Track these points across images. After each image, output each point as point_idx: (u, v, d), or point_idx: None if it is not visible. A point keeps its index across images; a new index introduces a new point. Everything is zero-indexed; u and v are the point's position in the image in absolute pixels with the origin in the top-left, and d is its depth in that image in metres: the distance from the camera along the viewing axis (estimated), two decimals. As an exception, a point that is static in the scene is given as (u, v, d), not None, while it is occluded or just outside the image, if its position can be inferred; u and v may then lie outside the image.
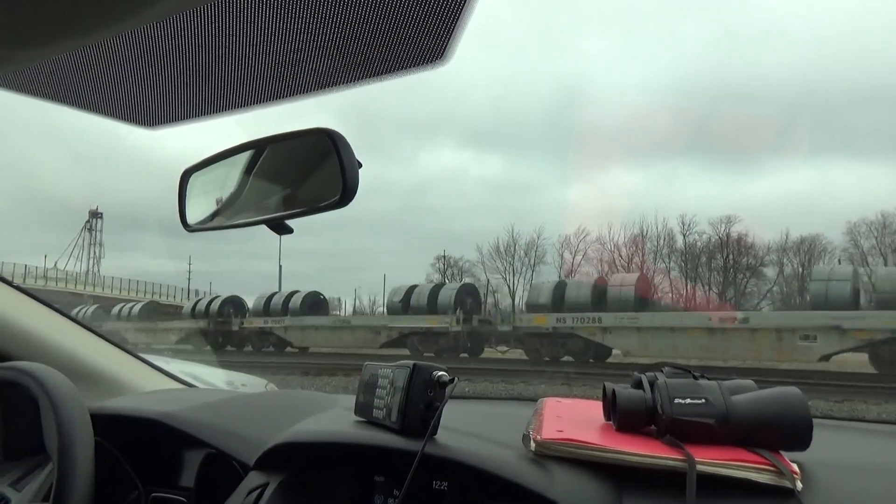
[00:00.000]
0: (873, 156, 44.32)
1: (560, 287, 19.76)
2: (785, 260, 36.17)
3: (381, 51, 0.65)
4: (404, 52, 0.64)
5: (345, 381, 11.10)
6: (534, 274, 39.00)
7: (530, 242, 40.38)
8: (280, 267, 36.55)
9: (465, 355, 19.34)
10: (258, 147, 0.85)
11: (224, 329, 25.11)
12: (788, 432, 0.83)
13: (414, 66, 0.66)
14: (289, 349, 23.62)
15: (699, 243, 37.63)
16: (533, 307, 19.67)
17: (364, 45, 0.65)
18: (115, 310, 30.22)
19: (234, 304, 26.61)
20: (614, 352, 18.10)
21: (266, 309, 25.26)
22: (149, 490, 1.17)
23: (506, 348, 19.69)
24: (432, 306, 20.98)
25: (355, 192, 0.72)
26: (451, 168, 55.07)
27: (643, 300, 19.19)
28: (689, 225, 37.36)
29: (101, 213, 55.68)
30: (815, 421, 0.82)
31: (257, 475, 1.00)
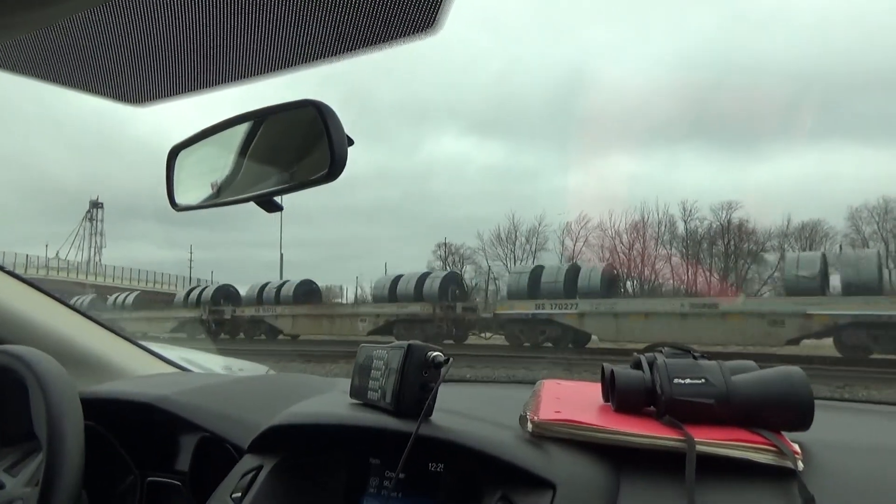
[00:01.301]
0: (876, 140, 44.19)
1: (536, 272, 20.29)
2: (786, 245, 36.09)
3: (370, 21, 0.63)
4: (394, 21, 0.62)
5: (333, 368, 11.16)
6: (535, 261, 39.02)
7: (531, 229, 40.39)
8: (281, 255, 36.63)
9: (451, 342, 19.68)
10: (246, 121, 0.83)
11: (217, 318, 25.59)
12: (790, 413, 0.82)
13: (404, 35, 0.64)
14: (281, 337, 24.23)
15: (700, 229, 37.62)
16: (513, 294, 20.16)
17: (352, 15, 0.63)
18: (110, 300, 30.55)
19: (227, 293, 27.21)
20: (593, 337, 18.54)
21: (259, 298, 25.85)
22: (144, 474, 1.16)
23: (490, 334, 20.23)
24: (418, 294, 21.57)
25: (343, 166, 0.70)
26: (453, 155, 55.01)
27: (614, 286, 20.01)
28: (691, 211, 37.29)
29: (102, 203, 55.82)
30: (815, 402, 0.81)
31: (252, 458, 0.99)
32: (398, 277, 23.10)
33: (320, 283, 27.37)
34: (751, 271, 36.28)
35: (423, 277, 22.46)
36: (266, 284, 26.63)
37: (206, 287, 28.93)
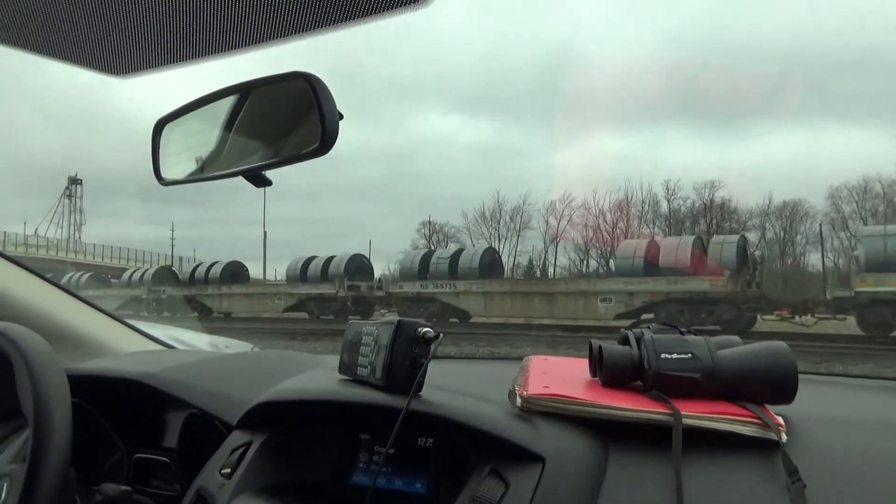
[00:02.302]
0: (859, 119, 44.73)
1: (426, 257, 23.43)
2: (767, 224, 36.55)
3: None
4: None
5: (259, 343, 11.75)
6: (519, 239, 39.14)
7: (516, 208, 40.44)
8: (265, 233, 36.34)
9: (359, 318, 22.04)
10: (234, 93, 0.81)
11: (156, 297, 27.41)
12: (774, 386, 0.83)
13: (395, 7, 0.63)
14: (215, 314, 26.13)
15: (683, 208, 37.91)
16: (404, 275, 23.51)
17: None
18: (64, 279, 30.83)
19: (164, 275, 29.29)
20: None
21: (191, 278, 28.10)
22: (131, 451, 1.16)
23: (385, 311, 22.72)
24: (324, 275, 24.36)
25: (335, 140, 0.69)
26: (439, 133, 54.74)
27: (490, 269, 22.90)
28: (674, 190, 37.60)
29: (81, 180, 54.92)
30: (799, 376, 0.82)
31: (240, 434, 0.99)
32: (310, 259, 25.71)
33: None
34: (858, 245, 36.56)
35: (330, 259, 25.13)
36: (197, 266, 28.97)
37: (147, 269, 30.84)
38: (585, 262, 38.65)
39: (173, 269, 30.72)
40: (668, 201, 38.08)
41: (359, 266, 24.88)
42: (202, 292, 26.83)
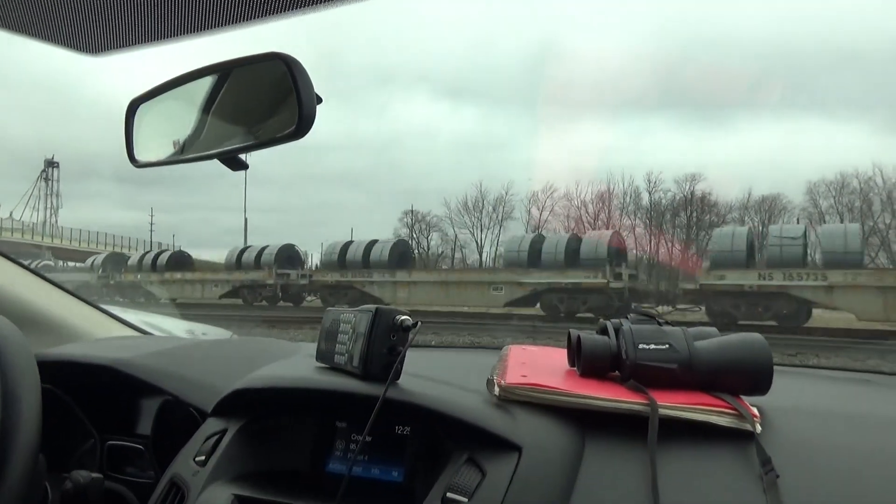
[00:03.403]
0: (838, 116, 45.22)
1: (344, 247, 25.00)
2: (746, 218, 36.94)
3: None
4: None
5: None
6: (501, 229, 39.22)
7: (498, 198, 40.47)
8: (245, 220, 36.06)
9: (290, 304, 24.31)
10: (210, 73, 0.79)
11: (104, 283, 28.10)
12: (750, 377, 0.84)
13: None
14: (163, 301, 26.41)
15: (664, 201, 38.21)
16: (325, 265, 25.47)
17: None
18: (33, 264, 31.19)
19: (115, 261, 30.02)
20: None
21: (139, 265, 29.05)
22: (104, 438, 1.14)
23: (312, 298, 24.89)
24: (257, 263, 25.46)
25: (312, 123, 0.68)
26: (423, 122, 54.48)
27: (401, 260, 24.68)
28: (655, 182, 37.83)
29: (58, 163, 53.99)
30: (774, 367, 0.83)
31: (216, 421, 0.98)
32: (245, 248, 27.06)
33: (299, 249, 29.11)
34: (711, 243, 37.05)
35: (263, 249, 26.11)
36: (146, 253, 30.16)
37: (97, 256, 31.61)
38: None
39: (124, 254, 31.42)
40: (650, 193, 38.37)
41: (289, 255, 26.04)
42: (146, 278, 27.64)
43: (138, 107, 0.86)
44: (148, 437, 1.10)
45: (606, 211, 38.22)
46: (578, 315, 19.08)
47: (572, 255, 20.69)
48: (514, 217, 40.10)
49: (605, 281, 19.22)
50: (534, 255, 21.17)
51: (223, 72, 0.79)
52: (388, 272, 23.11)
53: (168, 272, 27.55)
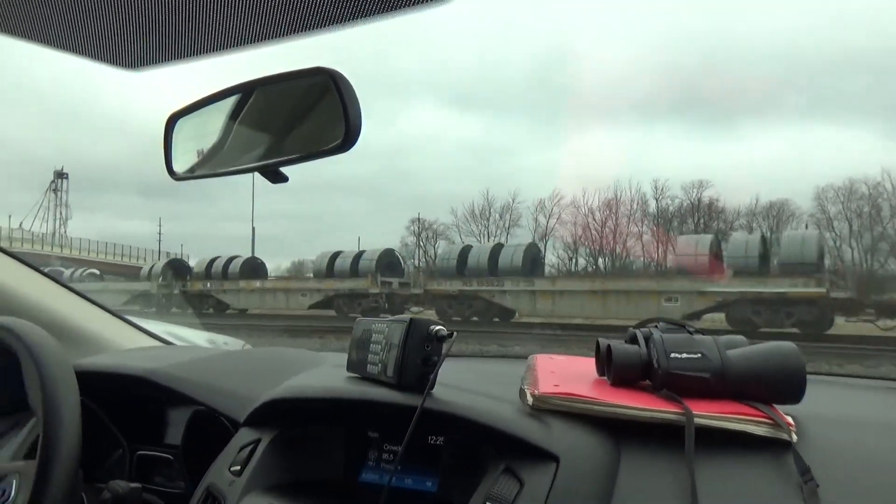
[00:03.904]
0: (846, 121, 45.10)
1: (464, 252, 22.97)
2: (754, 224, 36.81)
3: None
4: None
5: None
6: (508, 237, 39.20)
7: (505, 206, 40.47)
8: (253, 229, 36.12)
9: (388, 315, 21.74)
10: (250, 89, 0.80)
11: (166, 292, 26.56)
12: (782, 386, 0.84)
13: (418, 4, 0.62)
14: (229, 311, 25.39)
15: (671, 208, 38.14)
16: (440, 272, 23.01)
17: None
18: (66, 273, 30.23)
19: (177, 267, 28.12)
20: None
21: (208, 273, 26.89)
22: (134, 448, 1.15)
23: (421, 309, 21.84)
24: (354, 270, 23.66)
25: (358, 136, 0.69)
26: (431, 129, 54.59)
27: (534, 266, 22.75)
28: (662, 189, 37.79)
29: (67, 174, 54.30)
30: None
31: (249, 431, 0.99)
32: (336, 254, 24.85)
33: (293, 258, 28.24)
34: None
35: (360, 254, 24.37)
36: (215, 259, 27.36)
37: (156, 263, 29.47)
38: (574, 261, 38.84)
39: (184, 261, 29.42)
40: (657, 200, 38.31)
41: (390, 262, 24.30)
42: (218, 287, 25.84)
43: (177, 121, 0.87)
44: (177, 447, 1.11)
45: (614, 218, 38.15)
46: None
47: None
48: (521, 225, 40.11)
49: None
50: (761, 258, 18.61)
51: (265, 86, 0.80)
52: (525, 280, 20.68)
53: (243, 280, 25.57)
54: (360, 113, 0.70)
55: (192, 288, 26.31)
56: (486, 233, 40.76)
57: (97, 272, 32.41)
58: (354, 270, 23.35)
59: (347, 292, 22.85)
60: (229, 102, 0.82)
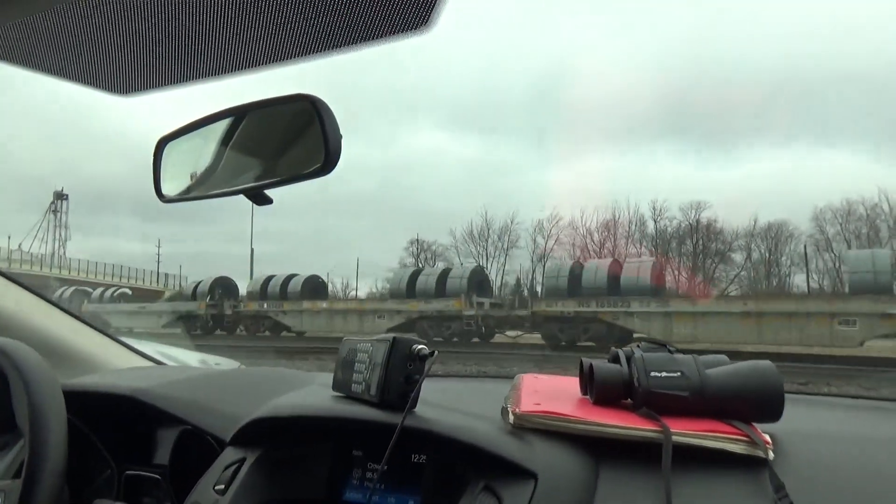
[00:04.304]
0: (843, 142, 45.47)
1: (575, 269, 20.84)
2: (753, 245, 36.90)
3: (365, 16, 0.64)
4: (388, 17, 0.63)
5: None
6: (507, 258, 39.22)
7: (504, 227, 40.52)
8: (252, 250, 36.09)
9: (477, 339, 20.34)
10: (237, 114, 0.83)
11: (216, 312, 24.51)
12: (761, 404, 0.85)
13: (398, 32, 0.65)
14: (285, 333, 23.54)
15: (669, 229, 38.25)
16: (550, 291, 21.35)
17: (347, 10, 0.64)
18: (95, 293, 29.48)
19: (225, 286, 25.78)
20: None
21: (263, 292, 24.79)
22: (122, 468, 1.16)
23: (516, 333, 20.54)
24: (440, 290, 21.51)
25: (338, 160, 0.71)
26: (430, 149, 54.73)
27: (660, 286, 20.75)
28: (660, 210, 37.91)
29: (67, 195, 54.46)
30: (785, 395, 0.84)
31: (234, 450, 0.99)
32: (416, 272, 23.02)
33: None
34: (718, 270, 37.01)
35: (445, 273, 22.41)
36: (271, 278, 25.34)
37: (202, 281, 26.84)
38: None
39: (231, 280, 26.62)
40: (655, 221, 38.44)
41: (479, 280, 22.20)
42: (276, 308, 23.58)
43: (166, 144, 0.89)
44: (165, 468, 1.12)
45: (612, 239, 38.23)
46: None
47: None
48: (520, 246, 40.11)
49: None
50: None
51: (250, 111, 0.83)
52: (657, 300, 18.37)
53: (308, 301, 23.26)
54: (339, 137, 0.72)
55: (246, 308, 24.29)
56: (484, 254, 40.77)
57: (129, 292, 31.05)
58: (441, 290, 21.11)
59: (435, 314, 20.51)
60: (216, 127, 0.85)
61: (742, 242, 37.15)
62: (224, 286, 25.68)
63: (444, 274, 22.13)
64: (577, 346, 17.91)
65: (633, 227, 38.65)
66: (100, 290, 30.59)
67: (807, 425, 0.91)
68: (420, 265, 34.21)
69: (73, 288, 30.38)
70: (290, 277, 25.03)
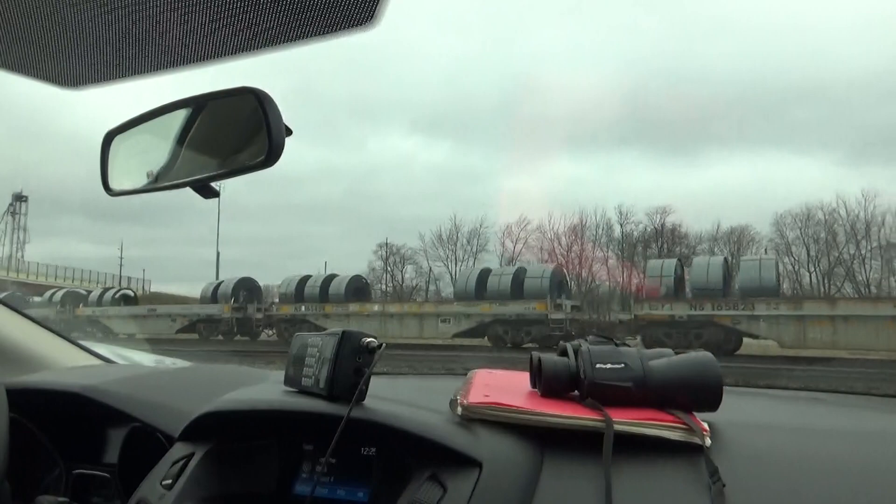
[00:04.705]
0: (803, 149, 46.61)
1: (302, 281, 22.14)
2: (716, 249, 37.59)
3: (309, 12, 0.65)
4: (333, 12, 0.64)
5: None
6: (475, 262, 39.30)
7: (472, 231, 40.62)
8: (218, 254, 35.57)
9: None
10: (183, 107, 0.83)
11: (241, 315, 22.91)
12: (700, 394, 0.88)
13: (343, 28, 0.66)
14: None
15: (636, 233, 38.80)
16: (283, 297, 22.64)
17: (292, 6, 0.64)
18: (93, 295, 27.87)
19: (249, 288, 24.32)
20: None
21: (298, 294, 23.28)
22: (70, 467, 1.14)
23: (635, 339, 19.26)
24: (517, 292, 20.14)
25: (281, 153, 0.72)
26: (399, 154, 54.65)
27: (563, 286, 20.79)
28: (627, 215, 38.43)
29: (26, 197, 52.94)
30: (725, 388, 0.87)
31: (183, 446, 0.99)
32: (486, 272, 21.04)
33: (259, 283, 25.67)
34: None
35: (519, 272, 20.39)
36: (307, 278, 23.70)
37: (222, 282, 25.23)
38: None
39: (254, 281, 25.18)
40: (621, 226, 38.95)
41: (560, 282, 20.85)
42: (315, 311, 21.88)
43: (114, 138, 0.89)
44: (115, 465, 1.10)
45: (579, 243, 38.62)
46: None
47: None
48: (489, 249, 40.27)
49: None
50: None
51: (197, 104, 0.83)
52: (787, 302, 16.93)
53: (355, 303, 22.03)
54: (283, 130, 0.73)
55: (279, 311, 22.71)
56: (452, 257, 40.81)
57: (131, 293, 29.02)
58: (517, 292, 19.43)
59: (514, 318, 18.83)
60: (163, 120, 0.85)
61: (706, 246, 37.90)
62: (248, 288, 24.27)
63: (520, 274, 20.32)
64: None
65: (600, 230, 39.12)
66: (98, 291, 28.85)
67: (744, 415, 0.94)
68: (388, 268, 34.05)
69: (63, 290, 28.89)
70: (330, 278, 23.73)
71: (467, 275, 22.06)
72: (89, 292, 29.36)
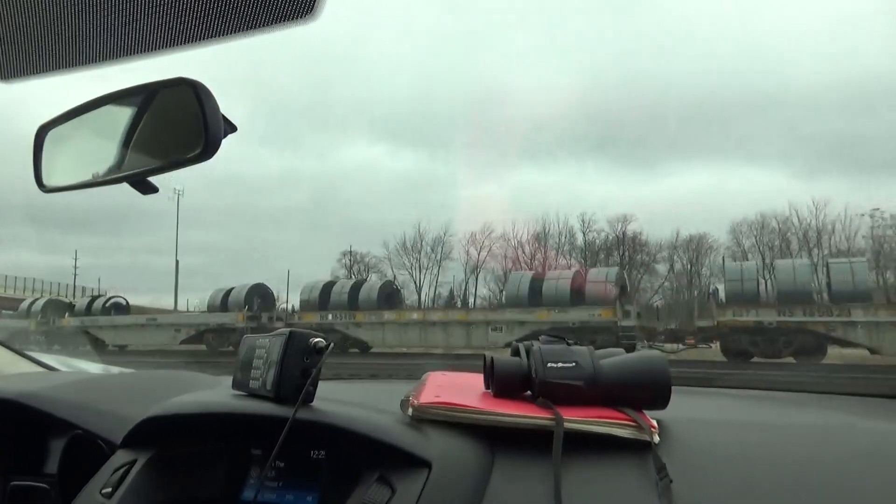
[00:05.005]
0: (757, 160, 47.92)
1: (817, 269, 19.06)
2: (675, 257, 38.41)
3: (248, 4, 0.63)
4: (272, 5, 0.63)
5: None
6: (440, 270, 39.32)
7: (437, 238, 40.63)
8: (177, 262, 34.85)
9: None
10: (119, 98, 0.80)
11: (255, 324, 21.44)
12: (650, 392, 0.88)
13: (282, 20, 0.64)
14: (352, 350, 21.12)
15: (598, 241, 39.36)
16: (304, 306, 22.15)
17: None
18: (80, 304, 26.66)
19: (263, 294, 23.07)
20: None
21: (323, 302, 22.13)
22: (8, 478, 1.09)
23: (709, 346, 18.34)
24: (577, 298, 19.12)
25: (218, 145, 0.70)
26: (364, 162, 54.29)
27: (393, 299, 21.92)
28: (589, 223, 38.99)
29: (-27, 204, 51.01)
30: (675, 387, 0.88)
31: (125, 453, 0.95)
32: (537, 281, 19.97)
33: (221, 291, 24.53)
34: (643, 281, 38.30)
35: (579, 276, 19.53)
36: (331, 284, 22.56)
37: (233, 288, 23.54)
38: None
39: (267, 287, 23.71)
40: (584, 234, 39.47)
41: (623, 286, 19.70)
42: (345, 319, 20.52)
43: (47, 132, 0.86)
44: (54, 476, 1.06)
45: (543, 251, 38.99)
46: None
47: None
48: (453, 258, 40.32)
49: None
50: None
51: (132, 97, 0.80)
52: (889, 309, 15.32)
53: (392, 311, 20.64)
54: (220, 122, 0.71)
55: (301, 320, 20.91)
56: (417, 265, 40.74)
57: (123, 301, 27.03)
58: (578, 297, 18.39)
59: (577, 325, 17.29)
60: (99, 114, 0.82)
61: (665, 254, 38.67)
62: (262, 294, 22.92)
63: (576, 278, 19.17)
64: (771, 363, 15.29)
65: (563, 238, 39.58)
66: (86, 299, 27.42)
67: (692, 412, 0.95)
68: (352, 277, 33.80)
69: (44, 299, 27.32)
70: (359, 283, 22.64)
71: (518, 279, 20.85)
72: (72, 302, 28.05)
